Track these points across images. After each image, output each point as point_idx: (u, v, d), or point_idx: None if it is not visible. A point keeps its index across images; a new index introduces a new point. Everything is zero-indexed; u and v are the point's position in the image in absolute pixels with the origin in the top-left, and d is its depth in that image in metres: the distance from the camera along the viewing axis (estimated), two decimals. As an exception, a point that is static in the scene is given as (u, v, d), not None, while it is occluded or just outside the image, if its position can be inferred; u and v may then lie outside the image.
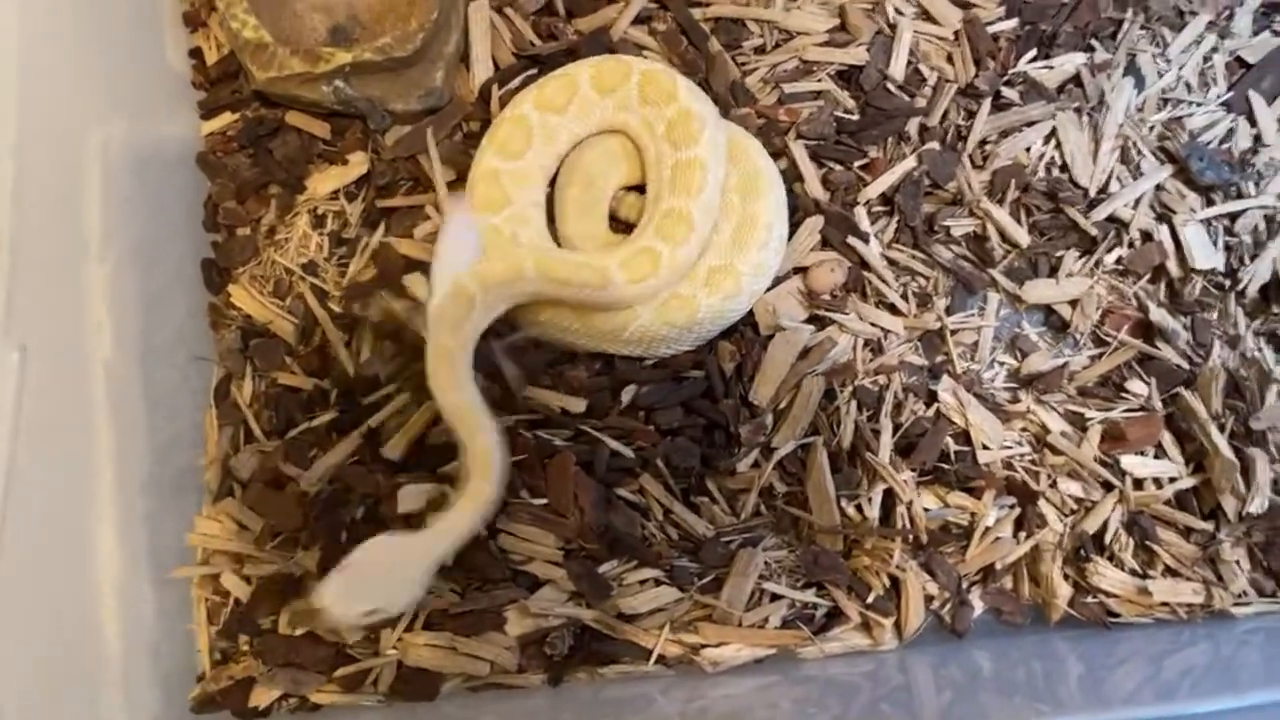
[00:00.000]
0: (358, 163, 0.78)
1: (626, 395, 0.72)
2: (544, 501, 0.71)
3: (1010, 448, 0.71)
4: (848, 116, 0.77)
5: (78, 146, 0.66)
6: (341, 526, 0.71)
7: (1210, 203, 0.73)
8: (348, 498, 0.71)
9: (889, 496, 0.70)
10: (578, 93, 0.71)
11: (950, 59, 0.78)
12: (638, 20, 0.80)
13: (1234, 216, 0.73)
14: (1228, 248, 0.72)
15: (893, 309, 0.74)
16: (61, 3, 0.66)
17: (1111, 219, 0.74)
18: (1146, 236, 0.73)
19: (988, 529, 0.69)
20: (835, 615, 0.69)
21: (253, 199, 0.78)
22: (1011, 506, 0.70)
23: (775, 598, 0.69)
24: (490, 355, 0.69)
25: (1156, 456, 0.70)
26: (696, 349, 0.73)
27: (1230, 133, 0.75)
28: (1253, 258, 0.72)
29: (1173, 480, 0.69)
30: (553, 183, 0.76)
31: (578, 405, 0.72)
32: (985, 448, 0.70)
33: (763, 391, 0.71)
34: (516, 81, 0.79)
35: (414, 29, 0.73)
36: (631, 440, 0.71)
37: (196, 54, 0.81)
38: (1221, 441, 0.67)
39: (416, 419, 0.73)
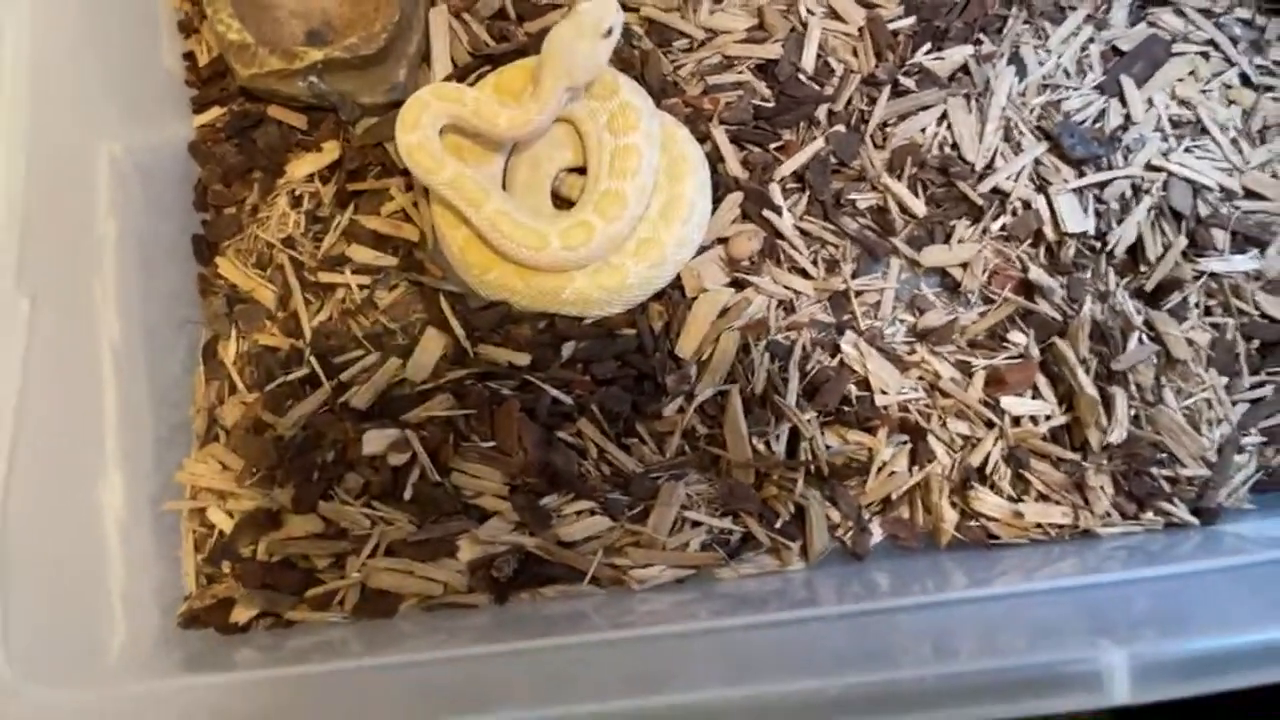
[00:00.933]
0: (331, 150, 0.88)
1: (566, 350, 0.82)
2: (492, 444, 0.80)
3: (905, 393, 0.80)
4: (764, 104, 0.87)
5: (90, 139, 0.77)
6: (313, 468, 0.80)
7: (1081, 174, 0.82)
8: (319, 443, 0.81)
9: (794, 435, 0.79)
10: (426, 105, 0.79)
11: (855, 52, 0.88)
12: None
13: (1103, 186, 0.82)
14: (1098, 214, 0.81)
15: (804, 273, 0.83)
16: (74, 16, 0.77)
17: (996, 190, 0.83)
18: (1026, 205, 0.82)
19: (884, 464, 0.78)
20: (748, 540, 0.78)
21: (238, 182, 0.88)
22: (905, 443, 0.79)
23: (695, 524, 0.78)
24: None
25: (1033, 397, 0.79)
26: (629, 310, 0.83)
27: (1102, 113, 0.84)
28: (1119, 222, 0.81)
29: (1047, 418, 0.78)
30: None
31: (522, 359, 0.81)
32: (883, 392, 0.79)
33: (687, 345, 0.81)
34: (472, 78, 0.89)
35: (378, 30, 0.83)
36: (570, 389, 0.81)
37: (190, 57, 0.91)
38: (1087, 382, 0.76)
39: (381, 373, 0.82)
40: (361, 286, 0.85)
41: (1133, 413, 0.76)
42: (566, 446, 0.80)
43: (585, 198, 0.82)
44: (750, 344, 0.81)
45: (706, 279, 0.82)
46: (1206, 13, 0.87)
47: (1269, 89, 0.85)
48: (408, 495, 0.79)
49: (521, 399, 0.80)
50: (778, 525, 0.77)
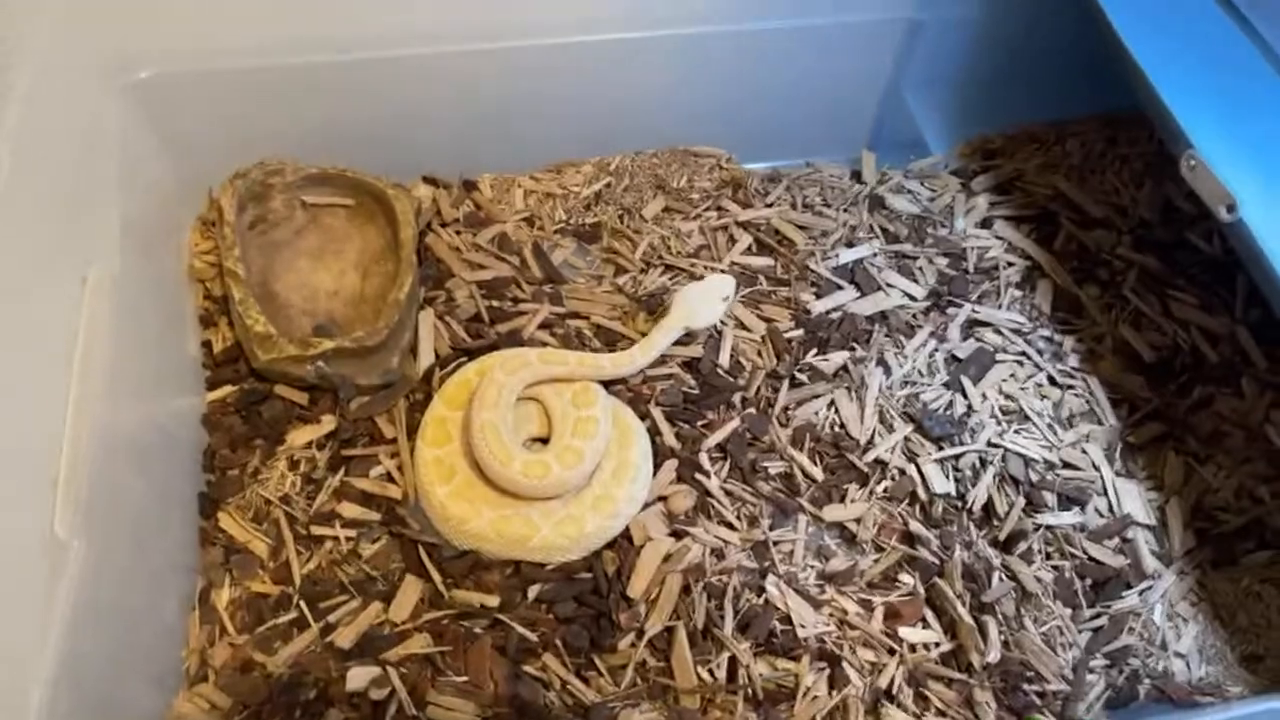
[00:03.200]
0: (328, 422, 1.03)
1: (532, 592, 0.94)
2: (465, 679, 0.89)
3: (820, 627, 0.94)
4: (691, 391, 1.08)
5: (125, 412, 0.90)
6: (297, 705, 0.87)
7: (940, 449, 1.04)
8: (304, 680, 0.88)
9: (733, 663, 0.91)
10: (529, 363, 1.00)
11: (759, 353, 1.11)
12: (542, 326, 1.11)
13: (957, 458, 1.04)
14: (956, 480, 1.03)
15: (730, 526, 1.00)
16: (125, 312, 0.92)
17: (877, 460, 1.04)
18: (901, 472, 1.03)
19: (807, 689, 0.91)
20: (697, 769, 0.88)
21: (243, 448, 1.01)
22: (824, 669, 0.92)
23: (650, 748, 0.88)
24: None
25: (924, 627, 0.95)
26: (586, 558, 0.97)
27: (950, 403, 1.08)
28: (973, 485, 1.02)
29: (937, 645, 0.94)
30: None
31: (492, 600, 0.93)
32: (802, 626, 0.94)
33: (637, 587, 0.95)
34: (451, 366, 1.07)
35: (381, 326, 1.02)
36: (536, 627, 0.92)
37: (206, 345, 1.07)
38: (965, 613, 0.93)
39: (364, 615, 0.92)
40: (348, 539, 0.97)
41: (1003, 638, 0.93)
42: (532, 679, 0.90)
43: (549, 449, 0.99)
44: (690, 585, 0.95)
45: (651, 530, 0.98)
46: (1018, 331, 1.15)
47: (1070, 387, 1.12)
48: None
49: (492, 636, 0.91)
50: (722, 746, 0.88)
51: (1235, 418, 1.12)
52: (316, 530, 0.97)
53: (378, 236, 1.13)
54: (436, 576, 0.94)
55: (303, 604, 0.92)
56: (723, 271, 1.15)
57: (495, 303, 1.13)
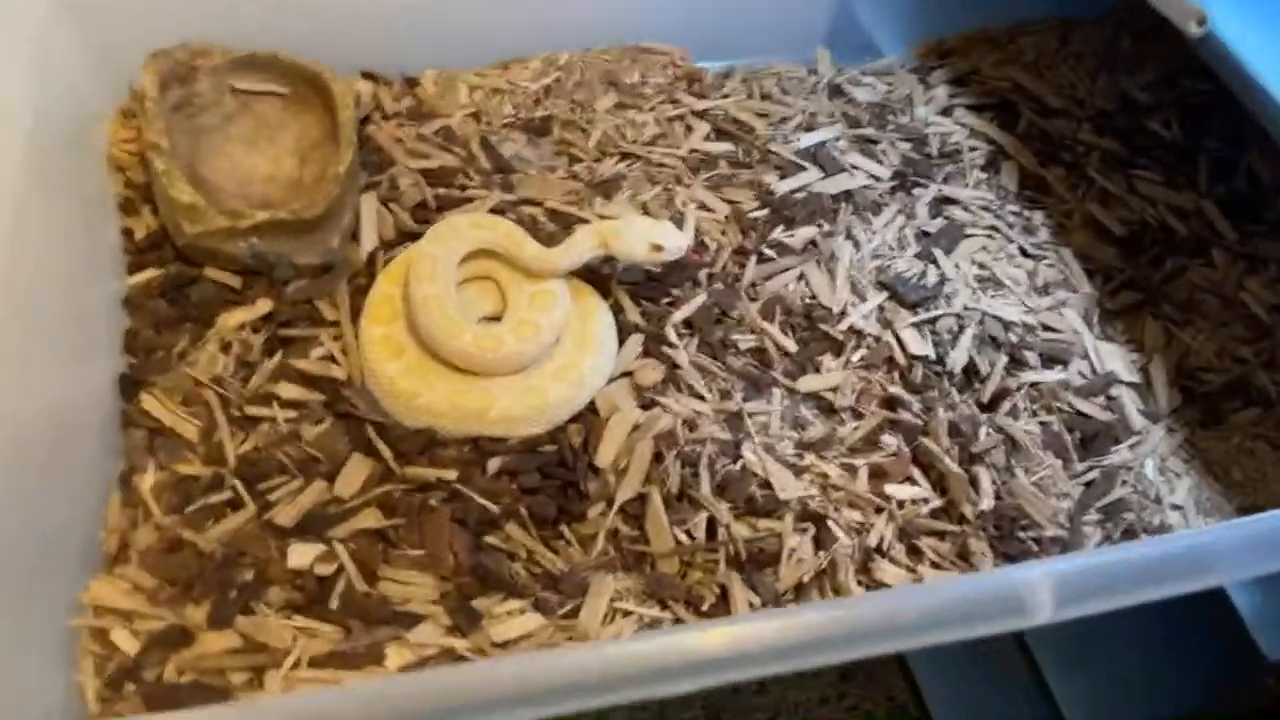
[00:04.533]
0: (262, 305, 0.95)
1: (492, 465, 0.87)
2: (422, 551, 0.81)
3: (802, 491, 0.88)
4: (654, 270, 1.02)
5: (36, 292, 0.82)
6: (232, 585, 0.78)
7: (915, 314, 1.00)
8: (240, 560, 0.80)
9: (711, 524, 0.85)
10: (458, 230, 0.93)
11: (724, 233, 1.06)
12: (493, 211, 1.05)
13: (934, 321, 1.00)
14: (935, 344, 0.98)
15: (701, 398, 0.94)
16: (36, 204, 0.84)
17: (852, 329, 0.99)
18: (877, 339, 0.99)
19: (792, 550, 0.85)
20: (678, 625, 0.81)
21: (168, 331, 0.92)
22: (808, 530, 0.86)
23: (626, 614, 0.80)
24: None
25: (911, 485, 0.89)
26: (549, 431, 0.90)
27: (923, 273, 1.04)
28: (952, 349, 0.98)
29: (926, 501, 0.88)
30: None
31: (449, 474, 0.86)
32: (783, 490, 0.88)
33: (605, 456, 0.88)
34: (395, 251, 1.00)
35: (320, 197, 0.94)
36: (498, 499, 0.85)
37: (127, 232, 0.99)
38: (953, 465, 0.88)
39: (307, 493, 0.84)
40: (288, 420, 0.89)
41: (994, 488, 0.88)
42: (496, 550, 0.82)
43: (504, 321, 0.92)
44: (663, 452, 0.88)
45: (619, 401, 0.91)
46: (986, 208, 1.12)
47: (1043, 258, 1.08)
48: (334, 605, 0.78)
49: (451, 509, 0.83)
50: (704, 609, 0.81)
51: (1210, 286, 1.10)
52: (252, 411, 0.88)
53: (315, 125, 1.07)
54: (387, 453, 0.86)
55: (238, 483, 0.83)
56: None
57: (442, 190, 1.06)
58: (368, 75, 1.17)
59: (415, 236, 1.01)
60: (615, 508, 0.85)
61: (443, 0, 1.16)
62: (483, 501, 0.84)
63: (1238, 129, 1.22)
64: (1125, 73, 1.31)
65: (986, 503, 0.86)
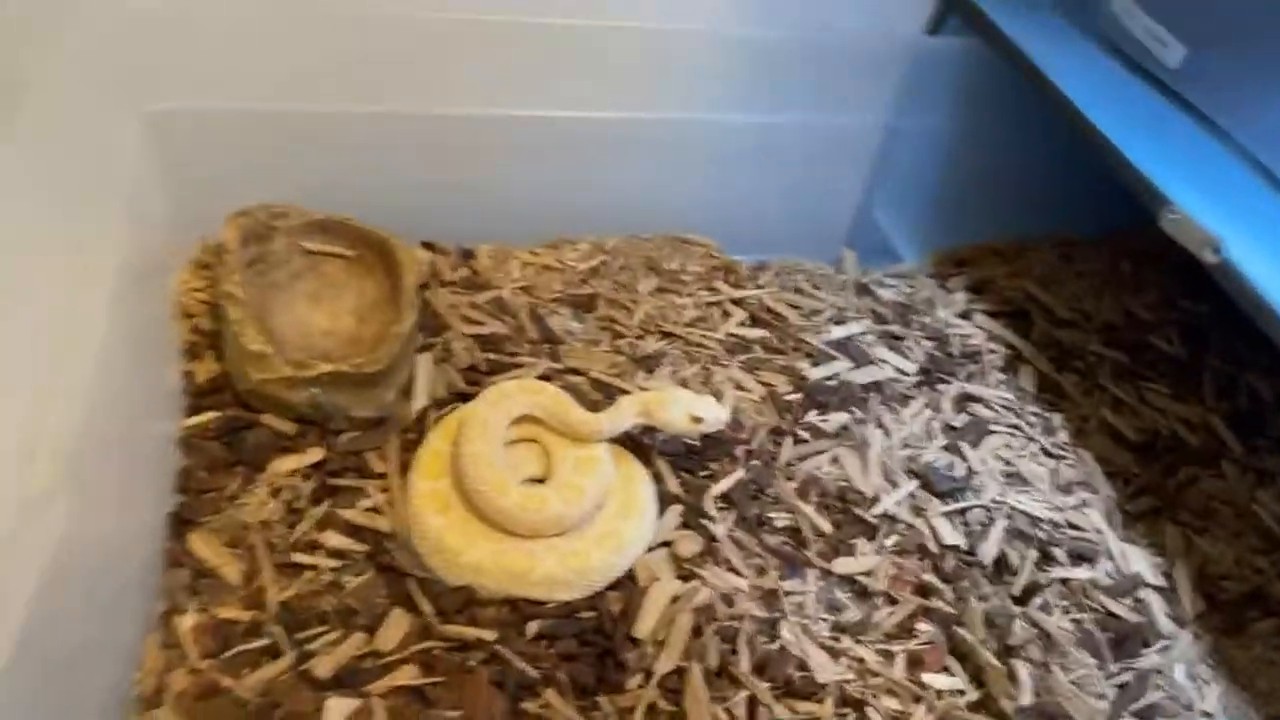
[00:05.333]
0: (314, 454, 0.97)
1: (531, 628, 0.86)
2: (459, 712, 0.80)
3: (840, 674, 0.88)
4: (693, 443, 1.05)
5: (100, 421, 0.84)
6: (265, 738, 0.76)
7: (946, 503, 1.03)
8: (274, 711, 0.78)
9: (752, 703, 0.84)
10: (508, 394, 0.97)
11: (760, 412, 1.10)
12: (540, 378, 1.09)
13: (964, 512, 1.02)
14: (965, 534, 1.01)
15: (738, 573, 0.95)
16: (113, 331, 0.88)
17: (885, 514, 1.01)
18: (910, 526, 1.01)
19: (833, 736, 0.84)
20: (717, 809, 0.78)
21: (222, 472, 0.93)
22: (846, 716, 0.85)
23: (664, 794, 0.78)
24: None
25: (948, 675, 0.89)
26: (589, 597, 0.90)
27: (951, 464, 1.08)
28: (983, 539, 1.00)
29: (963, 693, 0.88)
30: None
31: (489, 635, 0.85)
32: (821, 672, 0.87)
33: (644, 627, 0.88)
34: (446, 410, 1.04)
35: (381, 354, 0.98)
36: (536, 663, 0.84)
37: (188, 375, 1.02)
38: (991, 657, 0.88)
39: (346, 645, 0.83)
40: (331, 569, 0.89)
41: (1033, 684, 0.88)
42: (534, 717, 0.81)
43: (550, 483, 0.94)
44: (701, 626, 0.89)
45: (658, 571, 0.92)
46: (1008, 407, 1.17)
47: (1063, 458, 1.12)
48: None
49: (489, 671, 0.82)
50: (744, 793, 0.79)
51: (1222, 496, 1.14)
52: (297, 558, 0.88)
53: (375, 287, 1.12)
54: (428, 608, 0.86)
55: (277, 630, 0.82)
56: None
57: (493, 355, 1.11)
58: (427, 245, 1.24)
59: (466, 396, 1.04)
60: (654, 680, 0.84)
61: (501, 183, 1.25)
62: (521, 665, 0.83)
63: (1237, 348, 1.30)
64: (1128, 291, 1.40)
65: (1026, 698, 0.86)
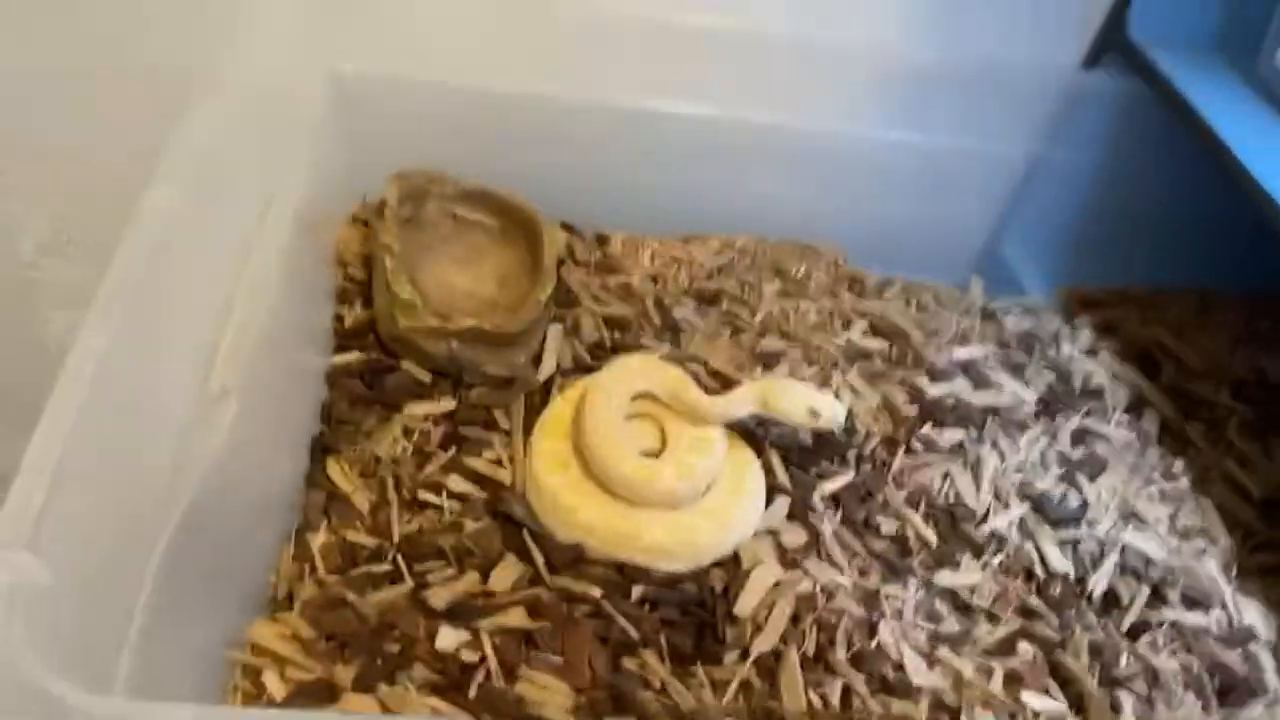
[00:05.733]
0: (446, 403, 1.02)
1: (636, 592, 0.89)
2: (561, 658, 0.83)
3: (936, 681, 0.88)
4: (805, 442, 1.07)
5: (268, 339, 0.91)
6: (380, 654, 0.80)
7: (1058, 531, 1.02)
8: (391, 631, 0.82)
9: (846, 692, 0.84)
10: (632, 368, 1.01)
11: (875, 420, 1.11)
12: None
13: (1076, 543, 1.01)
14: (1075, 563, 0.99)
15: (841, 570, 0.96)
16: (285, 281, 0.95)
17: (993, 534, 1.01)
18: (1017, 548, 1.00)
19: (926, 737, 0.84)
20: (802, 788, 0.79)
21: (360, 408, 0.99)
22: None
23: (752, 765, 0.79)
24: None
25: (1049, 697, 0.88)
26: (693, 571, 0.92)
27: (1065, 494, 1.07)
28: (1093, 571, 0.99)
29: (1062, 717, 0.87)
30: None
31: (595, 591, 0.88)
32: (917, 675, 0.88)
33: (745, 606, 0.89)
34: (570, 379, 1.08)
35: (523, 316, 1.03)
36: (639, 625, 0.86)
37: (339, 318, 1.09)
38: (1094, 685, 0.87)
39: (462, 581, 0.87)
40: (452, 511, 0.93)
41: (1135, 717, 0.86)
42: (632, 674, 0.83)
43: (665, 458, 0.97)
44: (801, 614, 0.90)
45: (762, 555, 0.94)
46: (1128, 447, 1.15)
47: (1183, 503, 1.10)
48: (472, 694, 0.79)
49: (593, 625, 0.85)
50: (831, 776, 0.80)
51: (1347, 565, 1.09)
52: (422, 495, 0.93)
53: (515, 258, 1.17)
54: (539, 559, 0.90)
55: (399, 558, 0.87)
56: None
57: (618, 334, 1.15)
58: (566, 226, 1.29)
59: (589, 369, 1.08)
60: (751, 659, 0.86)
61: (642, 175, 1.29)
62: (625, 624, 0.86)
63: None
64: (1264, 351, 1.36)
65: (1128, 730, 0.85)
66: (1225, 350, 1.35)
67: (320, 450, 0.95)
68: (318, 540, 0.88)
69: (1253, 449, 1.20)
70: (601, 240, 1.30)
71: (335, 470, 0.94)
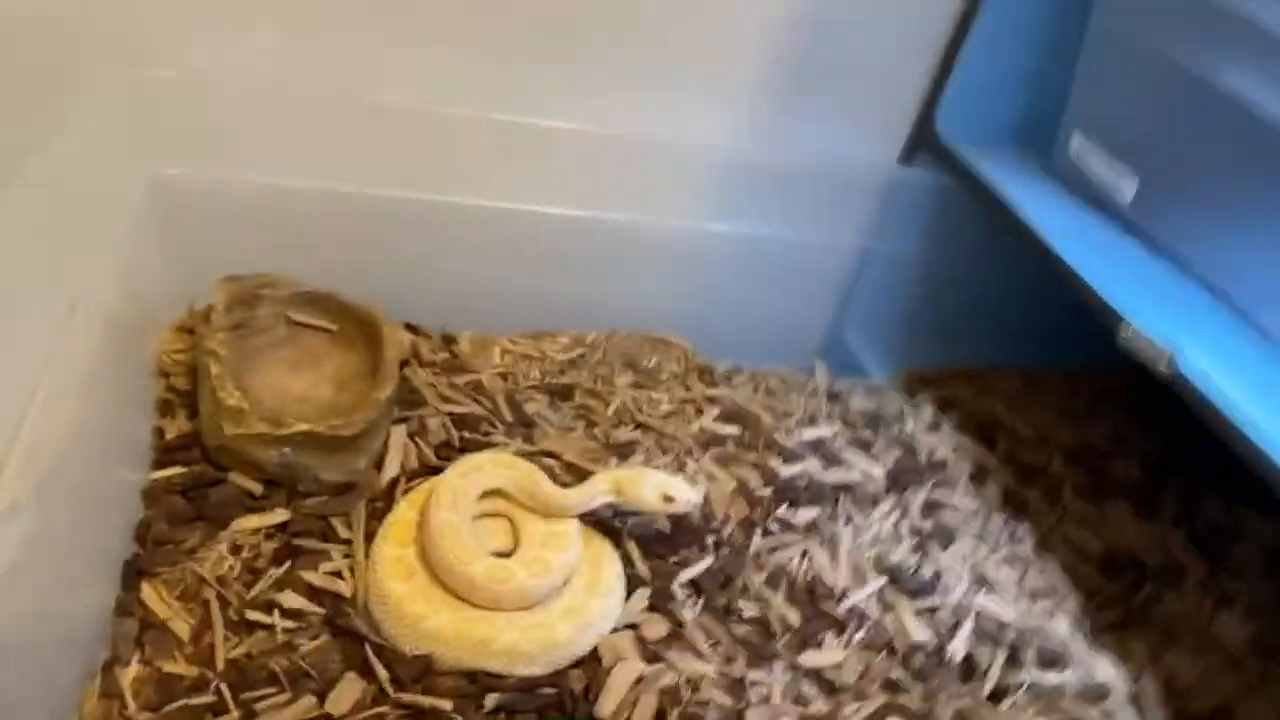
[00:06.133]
0: (280, 514, 0.95)
1: (490, 700, 0.83)
2: (409, 784, 0.76)
3: (807, 767, 0.85)
4: (663, 530, 1.05)
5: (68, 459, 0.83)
6: (199, 799, 0.72)
7: (914, 601, 1.02)
8: (212, 772, 0.73)
9: (717, 790, 0.80)
10: (480, 466, 0.97)
11: (731, 504, 1.10)
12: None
13: (933, 611, 1.02)
14: (935, 633, 1.00)
15: (704, 659, 0.93)
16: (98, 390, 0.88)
17: (854, 610, 1.00)
18: (877, 622, 1.00)
19: (799, 829, 0.80)
20: None
21: (182, 526, 0.91)
22: (816, 809, 0.82)
23: None
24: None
25: (919, 773, 0.87)
26: (550, 674, 0.87)
27: (919, 565, 1.08)
28: (950, 639, 0.99)
29: (932, 793, 0.85)
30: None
31: (446, 705, 0.82)
32: (788, 763, 0.85)
33: (606, 706, 0.85)
34: (415, 482, 1.03)
35: (358, 419, 0.98)
36: (494, 737, 0.81)
37: (159, 431, 1.01)
38: (960, 755, 0.86)
39: (295, 707, 0.79)
40: (285, 630, 0.86)
41: (1008, 782, 0.85)
42: (487, 793, 0.77)
43: (517, 556, 0.93)
44: (666, 709, 0.86)
45: (623, 651, 0.90)
46: (974, 515, 1.18)
47: (1030, 566, 1.13)
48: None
49: (444, 743, 0.79)
50: None
51: (1184, 616, 1.14)
52: (251, 615, 0.86)
53: (355, 361, 1.13)
54: (383, 675, 0.83)
55: (223, 688, 0.79)
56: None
57: (467, 433, 1.11)
58: (410, 327, 1.26)
59: (437, 470, 1.04)
60: (616, 763, 0.81)
61: (489, 275, 1.28)
62: (479, 737, 0.80)
63: (1194, 477, 1.33)
64: (1085, 422, 1.44)
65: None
66: (1053, 422, 1.43)
67: (134, 574, 0.86)
68: (128, 675, 0.79)
69: (1088, 510, 1.26)
70: (449, 340, 1.27)
71: (150, 595, 0.85)
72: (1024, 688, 0.96)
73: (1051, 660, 1.00)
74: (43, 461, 0.72)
